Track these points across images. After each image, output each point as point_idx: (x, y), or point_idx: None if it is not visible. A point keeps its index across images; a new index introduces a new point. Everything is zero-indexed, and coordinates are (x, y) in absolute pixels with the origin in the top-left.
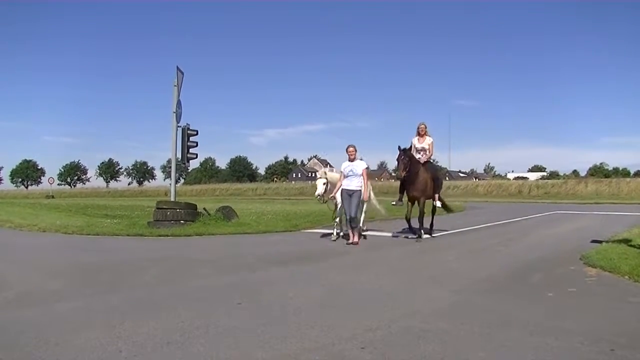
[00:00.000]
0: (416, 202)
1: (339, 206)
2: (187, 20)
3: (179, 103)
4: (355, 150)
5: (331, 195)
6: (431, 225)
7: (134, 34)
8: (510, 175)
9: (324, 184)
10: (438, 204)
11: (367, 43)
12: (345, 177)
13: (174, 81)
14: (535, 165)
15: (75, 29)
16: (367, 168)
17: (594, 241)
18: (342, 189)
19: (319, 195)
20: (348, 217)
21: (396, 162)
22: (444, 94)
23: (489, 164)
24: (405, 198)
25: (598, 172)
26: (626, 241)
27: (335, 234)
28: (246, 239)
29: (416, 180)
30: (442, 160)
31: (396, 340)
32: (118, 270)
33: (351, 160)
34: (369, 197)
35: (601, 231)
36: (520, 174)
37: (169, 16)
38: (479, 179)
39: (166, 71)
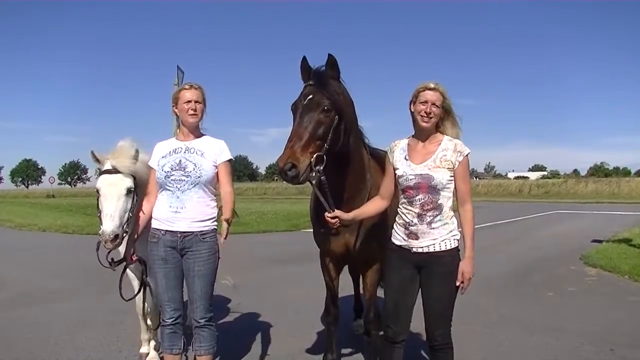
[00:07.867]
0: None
1: None
2: (188, 17)
3: None
4: None
5: None
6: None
7: (134, 32)
8: (511, 175)
9: None
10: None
11: (367, 41)
12: None
13: (175, 80)
14: (535, 165)
15: (76, 26)
16: None
17: (594, 241)
18: None
19: None
20: None
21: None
22: None
23: (489, 163)
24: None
25: (598, 171)
26: (626, 241)
27: None
28: (246, 239)
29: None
30: None
31: None
32: (118, 269)
33: None
34: None
35: (601, 231)
36: (521, 174)
37: (169, 13)
38: (479, 178)
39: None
